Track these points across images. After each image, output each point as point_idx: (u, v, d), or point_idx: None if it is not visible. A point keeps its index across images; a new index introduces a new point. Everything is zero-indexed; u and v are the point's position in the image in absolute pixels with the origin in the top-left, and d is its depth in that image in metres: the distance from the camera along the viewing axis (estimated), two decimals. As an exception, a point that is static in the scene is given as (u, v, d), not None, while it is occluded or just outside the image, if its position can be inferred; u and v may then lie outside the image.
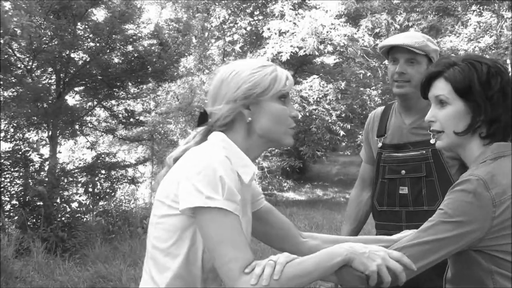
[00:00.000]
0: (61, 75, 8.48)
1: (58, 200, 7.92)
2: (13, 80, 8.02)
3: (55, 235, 7.00)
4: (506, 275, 1.33)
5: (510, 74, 1.43)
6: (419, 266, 1.29)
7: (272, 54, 13.34)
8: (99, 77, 8.80)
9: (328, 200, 15.19)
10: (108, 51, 8.61)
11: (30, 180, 7.76)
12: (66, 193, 8.23)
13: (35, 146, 8.07)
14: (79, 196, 8.50)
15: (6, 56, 7.52)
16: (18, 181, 7.81)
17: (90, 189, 8.50)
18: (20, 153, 7.89)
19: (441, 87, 1.43)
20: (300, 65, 15.84)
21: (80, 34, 8.54)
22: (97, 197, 8.56)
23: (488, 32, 12.90)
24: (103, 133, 10.74)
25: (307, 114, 14.06)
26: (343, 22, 13.54)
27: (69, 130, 8.92)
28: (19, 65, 8.19)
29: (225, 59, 14.90)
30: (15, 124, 8.35)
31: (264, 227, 1.56)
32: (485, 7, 12.74)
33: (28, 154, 7.95)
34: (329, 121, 14.38)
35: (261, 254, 5.77)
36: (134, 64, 8.86)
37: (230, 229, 1.22)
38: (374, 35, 13.93)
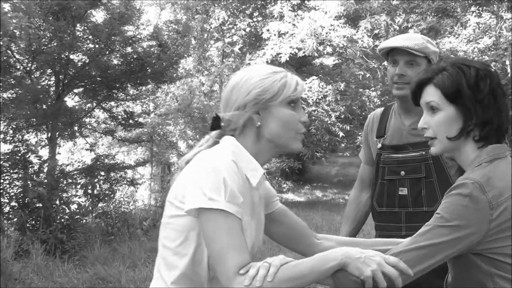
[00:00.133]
0: (60, 76, 8.47)
1: (57, 202, 7.91)
2: (12, 82, 8.02)
3: (54, 237, 7.00)
4: (507, 277, 1.33)
5: (509, 75, 1.43)
6: (416, 271, 1.28)
7: (271, 55, 13.37)
8: (98, 79, 8.79)
9: (327, 201, 15.18)
10: (107, 52, 8.60)
11: (29, 182, 7.75)
12: (65, 194, 8.23)
13: (34, 147, 8.06)
14: (78, 198, 8.50)
15: (5, 58, 7.51)
16: (17, 183, 7.79)
17: (90, 191, 8.51)
18: (19, 154, 7.88)
19: (431, 94, 1.43)
20: (299, 66, 15.85)
21: (79, 35, 8.53)
22: (97, 199, 8.56)
23: (487, 33, 12.93)
24: (102, 134, 10.73)
25: (306, 115, 14.07)
26: (342, 23, 13.57)
27: (68, 131, 8.90)
28: (18, 67, 8.18)
29: (224, 60, 14.92)
30: (14, 126, 8.33)
31: (279, 228, 1.59)
32: (484, 8, 12.77)
33: (27, 156, 7.93)
34: (328, 122, 14.41)
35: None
36: (133, 65, 8.86)
37: (230, 230, 1.24)
38: (373, 36, 13.96)
